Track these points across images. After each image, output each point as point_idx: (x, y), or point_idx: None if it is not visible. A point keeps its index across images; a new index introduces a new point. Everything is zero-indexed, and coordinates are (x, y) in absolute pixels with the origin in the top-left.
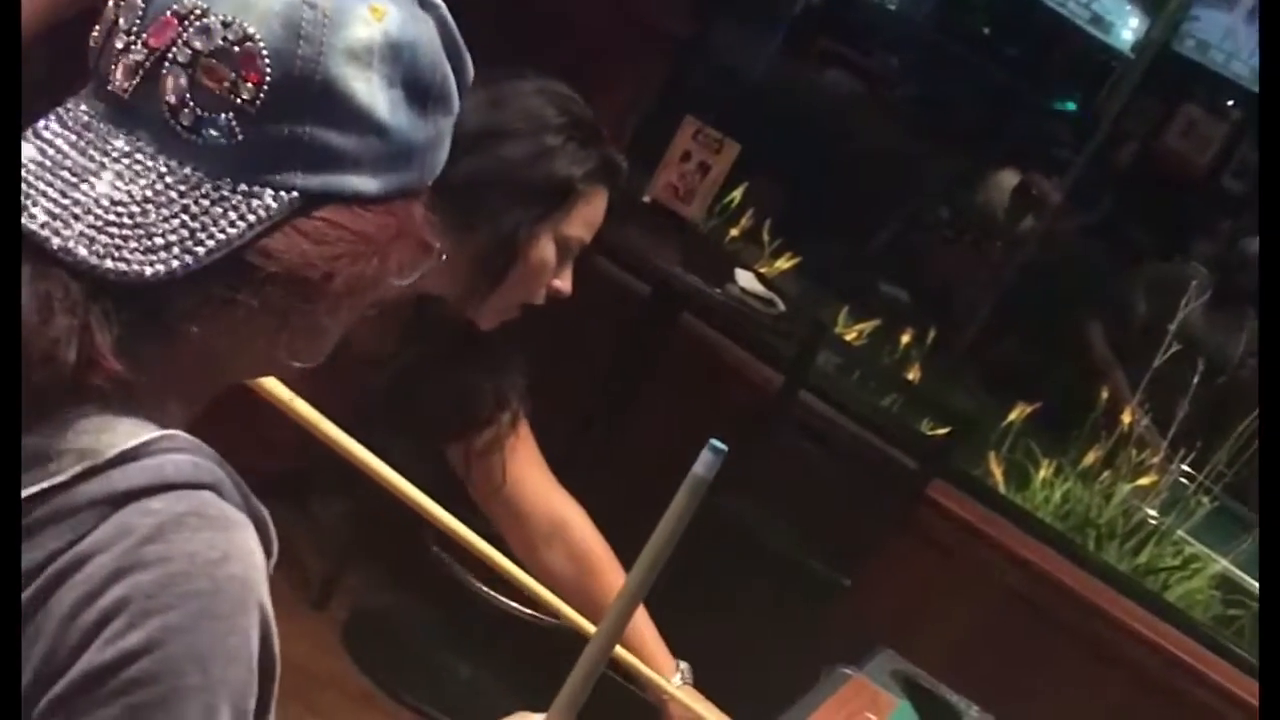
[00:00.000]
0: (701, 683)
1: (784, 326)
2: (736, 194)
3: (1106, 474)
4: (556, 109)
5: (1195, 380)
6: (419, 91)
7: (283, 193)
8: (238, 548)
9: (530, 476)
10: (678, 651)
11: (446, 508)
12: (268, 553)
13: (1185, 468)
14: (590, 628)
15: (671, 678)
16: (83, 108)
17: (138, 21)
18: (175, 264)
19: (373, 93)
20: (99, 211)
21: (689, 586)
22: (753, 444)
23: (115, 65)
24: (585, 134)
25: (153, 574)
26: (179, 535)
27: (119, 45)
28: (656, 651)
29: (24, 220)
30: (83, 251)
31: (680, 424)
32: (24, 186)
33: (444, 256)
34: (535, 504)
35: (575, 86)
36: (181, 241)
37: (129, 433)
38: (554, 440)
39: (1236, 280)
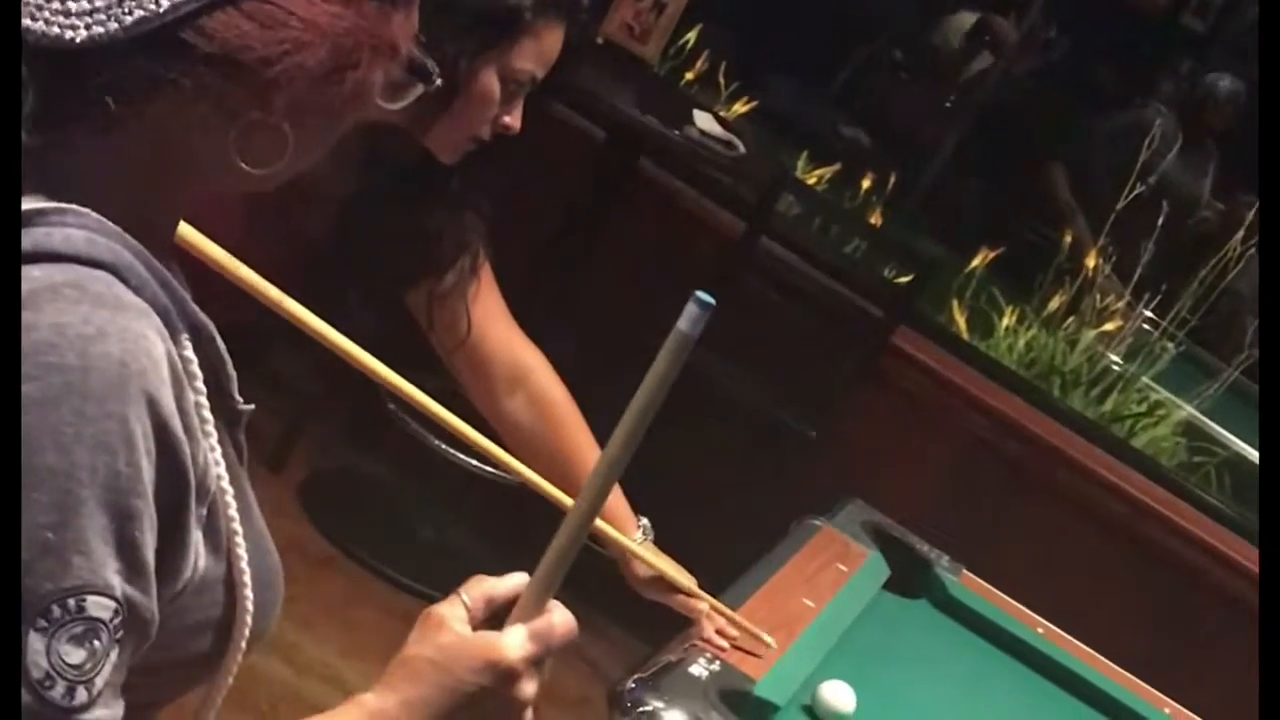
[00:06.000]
0: (670, 538)
1: (744, 169)
2: (691, 36)
3: (1070, 320)
4: None
5: (1159, 223)
6: None
7: None
8: (121, 329)
9: (493, 323)
10: (645, 508)
11: (400, 365)
12: (217, 377)
13: (1149, 314)
14: (547, 485)
15: (633, 535)
16: None
17: None
18: (99, 30)
19: None
20: None
21: (653, 441)
22: (715, 292)
23: None
24: None
25: None
26: (51, 305)
27: None
28: (618, 509)
29: None
30: None
31: (640, 272)
32: None
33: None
34: (498, 351)
35: None
36: (108, 8)
37: (26, 203)
38: (512, 288)
39: (1200, 120)
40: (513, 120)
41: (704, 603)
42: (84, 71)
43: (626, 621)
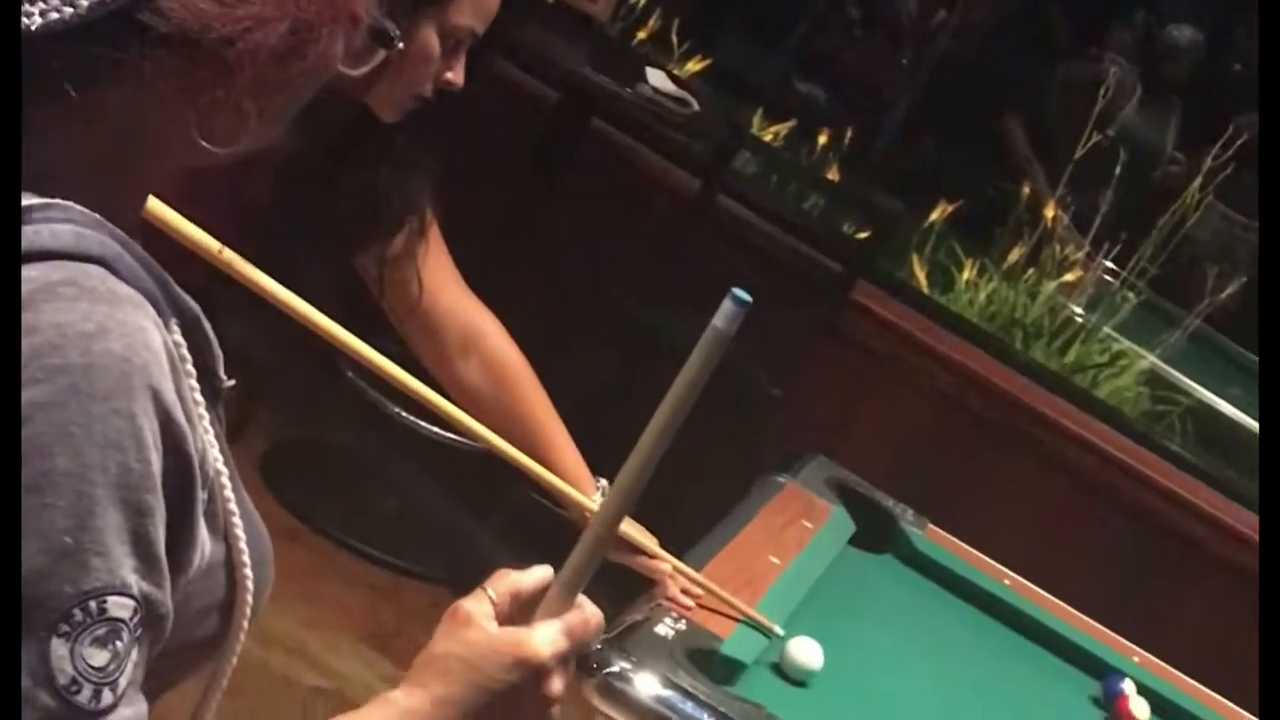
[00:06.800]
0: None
1: (699, 127)
2: None
3: (1031, 272)
4: None
5: (1117, 173)
6: None
7: None
8: (120, 323)
9: (444, 287)
10: (604, 468)
11: (352, 332)
12: (204, 358)
13: (1109, 264)
14: (508, 447)
15: (592, 495)
16: None
17: None
18: (54, 16)
19: None
20: None
21: (615, 403)
22: (672, 252)
23: None
24: None
25: None
26: (49, 305)
27: None
28: (577, 470)
29: None
30: None
31: (596, 232)
32: None
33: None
34: (450, 315)
35: None
36: None
37: None
38: (466, 251)
39: (1162, 72)
40: (455, 76)
41: (666, 563)
42: (42, 59)
43: (590, 584)
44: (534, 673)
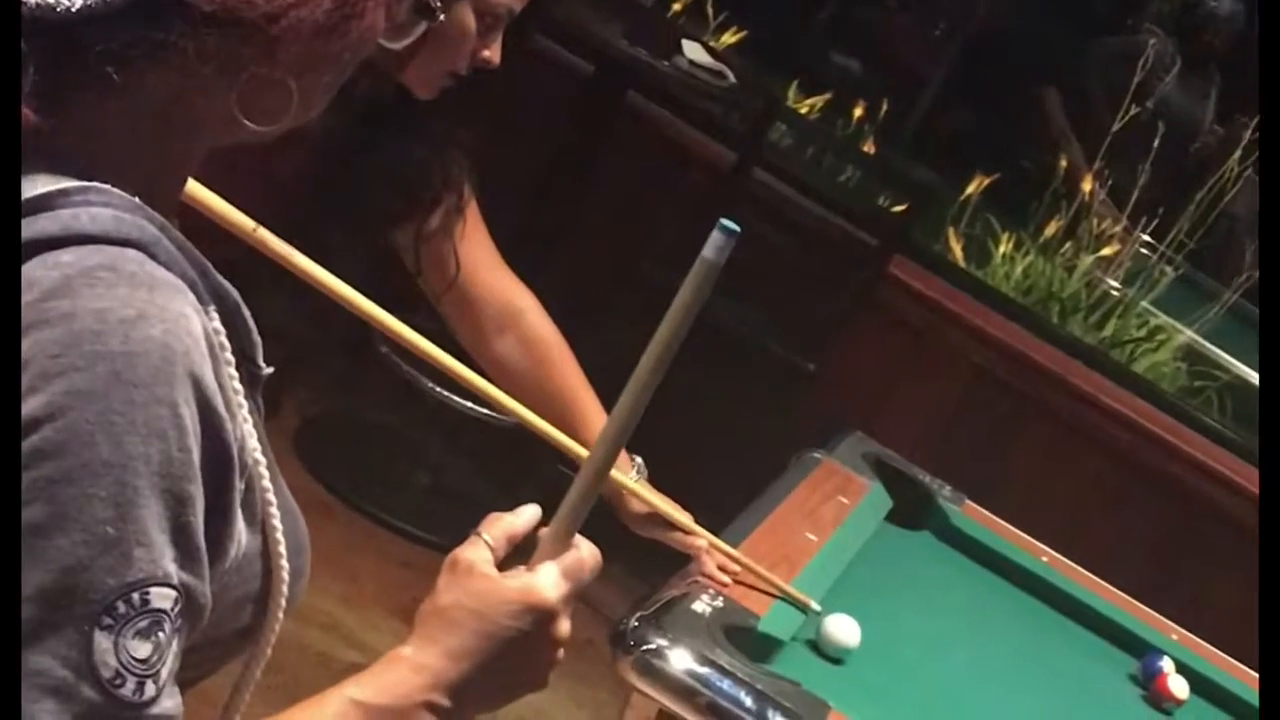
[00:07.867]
0: (670, 473)
1: (735, 99)
2: None
3: (1068, 246)
4: None
5: (1155, 146)
6: None
7: None
8: (160, 309)
9: (482, 264)
10: (640, 445)
11: (386, 308)
12: (242, 345)
13: (1146, 237)
14: (542, 423)
15: (628, 473)
16: None
17: None
18: None
19: None
20: None
21: None
22: (706, 226)
23: None
24: None
25: (56, 331)
26: (89, 290)
27: None
28: None
29: None
30: None
31: (632, 206)
32: None
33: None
34: (487, 292)
35: None
36: None
37: (44, 184)
38: (502, 227)
39: (1200, 44)
40: (492, 54)
41: (702, 539)
42: (84, 41)
43: (626, 561)
44: (543, 617)
